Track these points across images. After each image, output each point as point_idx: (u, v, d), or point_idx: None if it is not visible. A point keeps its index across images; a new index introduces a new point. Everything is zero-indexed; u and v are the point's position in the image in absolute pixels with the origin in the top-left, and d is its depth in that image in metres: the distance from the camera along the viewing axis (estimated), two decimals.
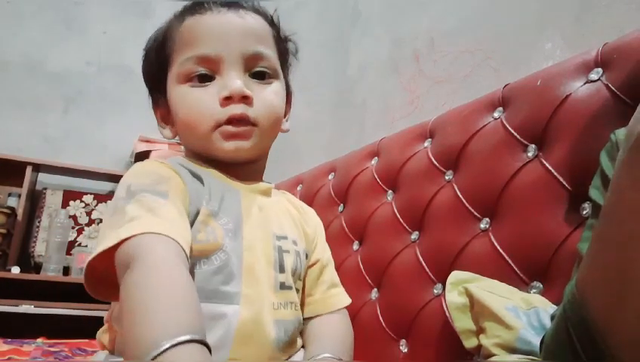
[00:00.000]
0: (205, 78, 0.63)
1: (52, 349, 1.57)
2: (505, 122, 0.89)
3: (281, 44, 0.72)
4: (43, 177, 2.62)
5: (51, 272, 2.23)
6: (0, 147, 2.39)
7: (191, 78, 0.64)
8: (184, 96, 0.64)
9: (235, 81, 0.62)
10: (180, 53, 0.64)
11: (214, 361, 0.53)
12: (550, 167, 0.78)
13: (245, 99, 0.62)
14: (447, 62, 1.31)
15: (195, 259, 0.57)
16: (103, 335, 0.64)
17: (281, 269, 0.65)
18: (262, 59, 0.66)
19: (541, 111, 0.83)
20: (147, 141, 2.45)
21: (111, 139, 2.70)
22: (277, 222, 0.68)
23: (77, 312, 2.15)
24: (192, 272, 0.57)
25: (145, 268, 0.47)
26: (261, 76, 0.66)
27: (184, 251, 0.51)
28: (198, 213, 0.59)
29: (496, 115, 0.92)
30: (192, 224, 0.58)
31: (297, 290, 0.68)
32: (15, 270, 2.19)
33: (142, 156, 2.28)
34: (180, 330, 0.41)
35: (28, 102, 2.62)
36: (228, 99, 0.62)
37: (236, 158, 0.65)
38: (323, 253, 0.77)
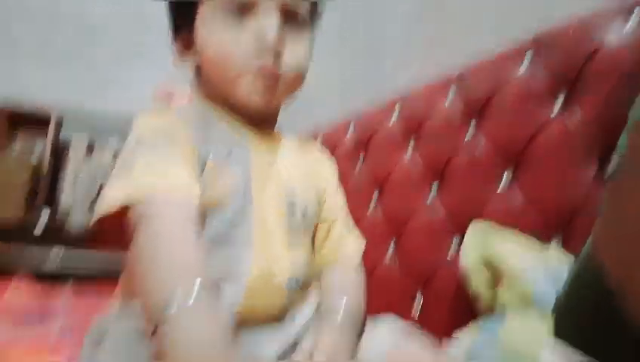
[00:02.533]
0: (244, 8, 0.61)
1: (81, 295, 1.64)
2: (534, 71, 0.85)
3: None
4: (67, 129, 2.65)
5: (77, 224, 2.30)
6: (23, 98, 2.42)
7: (225, 8, 0.61)
8: (218, 33, 0.61)
9: (271, 29, 0.59)
10: None
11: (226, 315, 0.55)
12: (580, 120, 0.75)
13: (278, 53, 0.61)
14: (475, 5, 1.25)
15: (203, 211, 0.58)
16: (122, 285, 0.66)
17: (293, 222, 0.65)
18: (303, 7, 0.63)
19: (573, 60, 0.79)
20: (168, 90, 2.44)
21: (132, 87, 2.70)
22: (287, 176, 0.68)
23: (103, 263, 2.22)
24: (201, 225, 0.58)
25: (152, 233, 0.49)
26: (296, 21, 0.64)
27: (193, 207, 0.52)
28: (204, 166, 0.59)
29: (524, 64, 0.88)
30: (200, 176, 0.58)
31: (308, 242, 0.68)
32: (42, 221, 2.26)
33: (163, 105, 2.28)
34: (189, 289, 0.44)
35: (50, 52, 2.62)
36: (261, 49, 0.60)
37: (255, 109, 0.64)
38: (336, 200, 0.77)
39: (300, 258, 0.65)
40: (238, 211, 0.59)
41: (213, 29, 0.62)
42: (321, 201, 0.74)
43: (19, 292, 1.57)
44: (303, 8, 0.64)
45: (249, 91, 0.62)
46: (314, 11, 0.69)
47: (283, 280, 0.60)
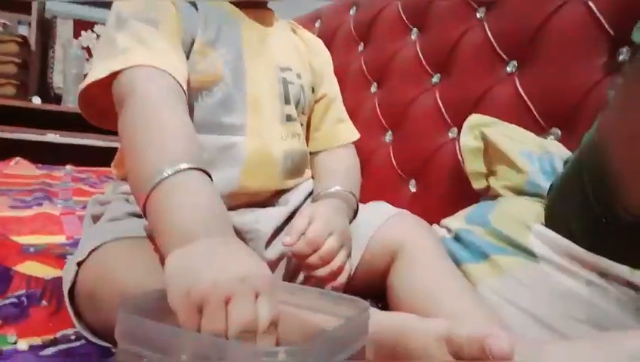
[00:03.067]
0: None
1: (80, 175, 1.67)
2: None
3: None
4: (51, 5, 2.51)
5: (71, 103, 2.27)
6: None
7: None
8: None
9: None
10: None
11: (221, 188, 0.56)
12: (592, 6, 0.71)
13: None
14: None
15: (195, 92, 0.56)
16: (116, 165, 0.66)
17: (287, 101, 0.64)
18: None
19: None
20: None
21: None
22: (280, 54, 0.65)
23: (101, 143, 2.23)
24: (193, 105, 0.56)
25: (138, 107, 0.47)
26: None
27: (178, 83, 0.50)
28: (193, 43, 0.57)
29: None
30: (187, 55, 0.56)
31: (302, 124, 0.68)
32: (36, 100, 2.23)
33: None
34: (178, 159, 0.42)
35: None
36: None
37: None
38: (330, 87, 0.75)
39: (295, 137, 0.64)
40: (229, 92, 0.58)
41: None
42: (316, 82, 0.72)
43: (19, 171, 1.59)
44: None
45: None
46: None
47: (278, 160, 0.60)
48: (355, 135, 0.76)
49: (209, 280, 0.32)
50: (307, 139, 0.72)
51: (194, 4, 0.59)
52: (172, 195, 0.41)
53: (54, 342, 0.47)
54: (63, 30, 2.46)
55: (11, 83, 2.22)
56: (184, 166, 0.42)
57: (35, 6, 2.29)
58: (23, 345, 0.46)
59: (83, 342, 0.47)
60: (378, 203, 0.67)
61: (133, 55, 0.50)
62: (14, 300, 0.55)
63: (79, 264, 0.48)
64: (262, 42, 0.63)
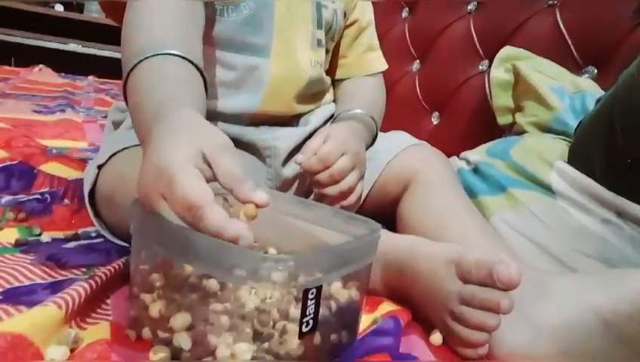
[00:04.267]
0: None
1: (102, 87, 1.67)
2: None
3: None
4: None
5: (94, 13, 2.23)
6: None
7: None
8: None
9: None
10: None
11: (239, 110, 0.55)
12: None
13: None
14: None
15: (222, 5, 0.54)
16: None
17: (319, 25, 0.61)
18: None
19: None
20: None
21: None
22: None
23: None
24: (219, 20, 0.54)
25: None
26: None
27: None
28: None
29: None
30: None
31: (327, 51, 0.66)
32: (59, 7, 2.19)
33: None
34: (167, 45, 0.41)
35: None
36: None
37: None
38: (363, 13, 0.71)
39: (321, 60, 0.62)
40: (257, 8, 0.55)
41: None
42: (349, 7, 0.69)
43: (43, 78, 1.60)
44: None
45: None
46: None
47: (300, 87, 0.59)
48: (382, 65, 0.73)
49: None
50: (334, 65, 0.69)
51: None
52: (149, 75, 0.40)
53: (76, 237, 0.50)
54: None
55: None
56: (172, 52, 0.41)
57: None
58: (46, 237, 0.49)
59: (103, 239, 0.49)
60: (398, 132, 0.66)
61: None
62: (38, 196, 0.57)
63: (99, 167, 0.49)
64: None
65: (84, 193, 0.50)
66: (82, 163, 0.70)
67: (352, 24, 0.70)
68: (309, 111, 0.63)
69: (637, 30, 0.65)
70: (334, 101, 0.68)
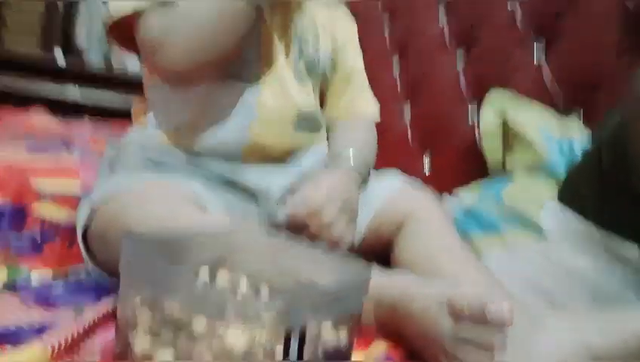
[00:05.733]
0: None
1: (98, 128, 1.68)
2: None
3: None
4: None
5: (93, 59, 2.28)
6: None
7: None
8: None
9: None
10: None
11: (233, 141, 0.57)
12: None
13: None
14: None
15: None
16: (136, 109, 0.66)
17: (300, 55, 0.63)
18: None
19: None
20: None
21: None
22: (299, 21, 0.65)
23: (120, 101, 2.24)
24: None
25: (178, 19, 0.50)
26: None
27: None
28: None
29: None
30: None
31: (315, 88, 0.67)
32: (58, 53, 2.24)
33: None
34: None
35: None
36: None
37: None
38: (353, 59, 0.74)
39: (309, 95, 0.64)
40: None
41: None
42: (337, 52, 0.71)
43: (38, 120, 1.61)
44: None
45: None
46: None
47: (291, 112, 0.60)
48: (375, 109, 0.75)
49: None
50: (326, 107, 0.71)
51: None
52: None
53: (65, 276, 0.49)
54: None
55: (35, 35, 2.24)
56: None
57: None
58: (35, 276, 0.48)
59: (92, 278, 0.49)
60: (390, 171, 0.67)
61: None
62: (29, 237, 0.56)
63: (93, 205, 0.49)
64: (283, 8, 0.63)
65: (76, 229, 0.50)
66: (74, 203, 0.69)
67: (342, 69, 0.72)
68: (302, 150, 0.64)
69: (620, 73, 0.68)
70: (327, 141, 0.69)
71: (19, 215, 0.62)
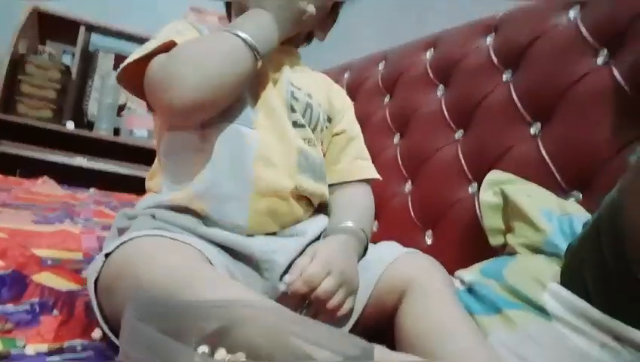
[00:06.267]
0: None
1: (103, 199, 1.70)
2: (579, 23, 0.82)
3: None
4: (96, 38, 2.64)
5: (103, 131, 2.34)
6: (57, 4, 2.40)
7: None
8: None
9: None
10: None
11: (236, 188, 0.59)
12: (618, 76, 0.73)
13: None
14: None
15: None
16: (150, 180, 0.68)
17: (292, 110, 0.66)
18: None
19: (622, 13, 0.75)
20: (198, 11, 2.40)
21: (163, 5, 2.66)
22: (294, 75, 0.69)
23: (127, 171, 2.28)
24: None
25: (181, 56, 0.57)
26: None
27: None
28: None
29: (571, 14, 0.85)
30: None
31: (312, 139, 0.68)
32: (70, 125, 2.31)
33: None
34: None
35: None
36: None
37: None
38: (351, 126, 0.77)
39: (308, 142, 0.66)
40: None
41: None
42: (334, 115, 0.74)
43: (45, 190, 1.63)
44: None
45: None
46: None
47: (291, 151, 0.62)
48: (374, 173, 0.76)
49: None
50: (327, 171, 0.72)
51: None
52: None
53: (60, 351, 0.48)
54: (104, 62, 2.58)
55: (49, 107, 2.32)
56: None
57: (80, 38, 2.42)
58: (30, 349, 0.47)
59: (90, 353, 0.48)
60: (389, 242, 0.67)
61: (166, 36, 0.60)
62: (27, 307, 0.56)
63: (103, 257, 0.49)
64: (279, 64, 0.68)
65: (75, 303, 0.50)
66: (76, 274, 0.69)
67: (340, 133, 0.74)
68: (306, 220, 0.64)
69: (617, 155, 0.69)
70: (327, 212, 0.70)
71: (19, 285, 0.61)
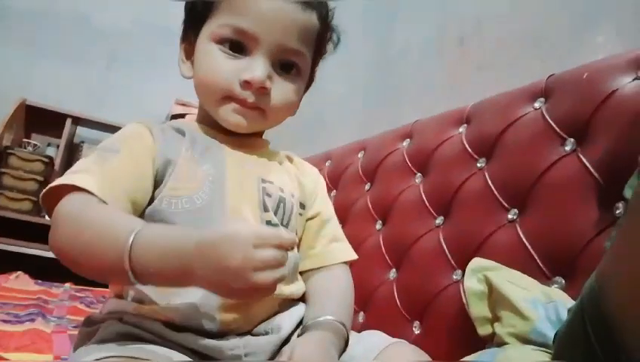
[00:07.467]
0: (236, 49, 0.64)
1: (78, 294, 1.64)
2: (545, 113, 0.87)
3: (323, 41, 0.72)
4: (81, 131, 2.70)
5: None
6: (43, 97, 2.47)
7: (223, 41, 0.64)
8: (210, 57, 0.65)
9: (260, 69, 0.63)
10: (223, 13, 0.65)
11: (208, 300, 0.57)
12: (587, 163, 0.76)
13: (263, 90, 0.64)
14: (492, 47, 1.28)
15: (176, 199, 0.60)
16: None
17: (265, 209, 0.66)
18: (296, 55, 0.66)
19: (584, 105, 0.80)
20: (183, 104, 2.48)
21: (149, 99, 2.75)
22: (263, 169, 0.69)
23: None
24: (174, 213, 0.60)
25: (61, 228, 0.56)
26: (288, 69, 0.67)
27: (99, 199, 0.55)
28: (170, 162, 0.63)
29: (537, 105, 0.90)
30: (165, 171, 0.62)
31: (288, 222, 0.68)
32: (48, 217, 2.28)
33: (177, 118, 2.32)
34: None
35: (72, 55, 2.69)
36: (247, 84, 0.63)
37: (236, 130, 0.68)
38: (324, 207, 0.77)
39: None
40: (210, 202, 0.61)
41: (207, 54, 0.65)
42: (307, 200, 0.74)
43: (19, 286, 1.57)
44: (298, 60, 0.67)
45: (227, 113, 0.66)
46: (316, 57, 0.72)
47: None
48: (351, 254, 0.75)
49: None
50: (302, 257, 0.71)
51: (182, 133, 0.67)
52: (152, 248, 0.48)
53: None
54: (88, 154, 2.62)
55: (29, 199, 2.30)
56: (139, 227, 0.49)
57: (66, 131, 2.47)
58: None
59: None
60: (373, 332, 0.65)
61: (73, 177, 0.57)
62: None
63: None
64: (246, 160, 0.69)
65: None
66: None
67: (314, 216, 0.74)
68: (280, 314, 0.63)
69: (595, 242, 0.71)
70: (304, 298, 0.68)
71: None
